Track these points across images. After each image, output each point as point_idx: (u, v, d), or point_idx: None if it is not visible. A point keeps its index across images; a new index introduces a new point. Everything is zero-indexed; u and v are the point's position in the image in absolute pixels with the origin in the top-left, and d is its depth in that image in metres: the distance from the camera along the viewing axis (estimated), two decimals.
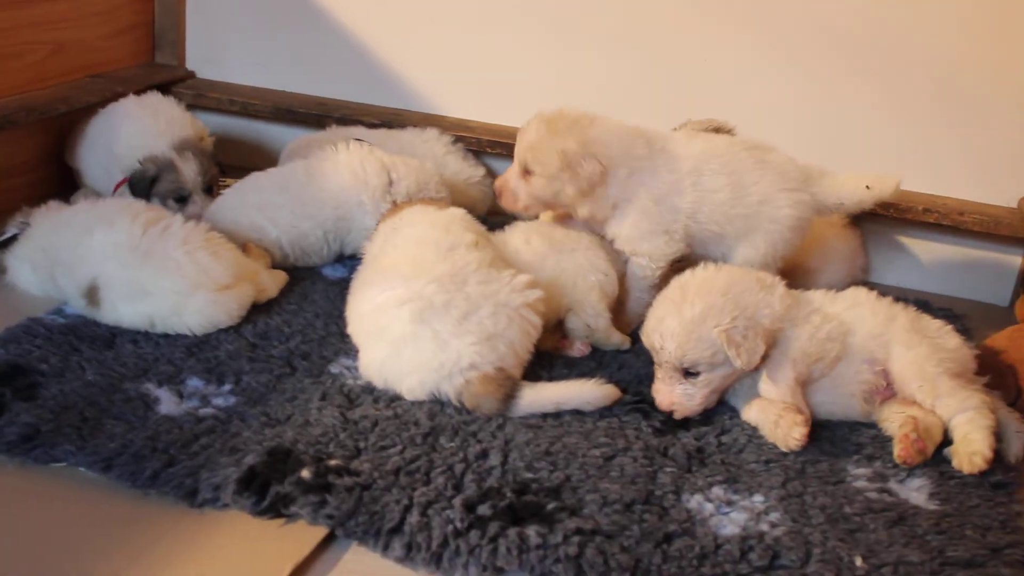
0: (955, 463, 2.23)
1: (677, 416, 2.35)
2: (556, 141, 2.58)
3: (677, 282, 2.40)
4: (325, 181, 2.97)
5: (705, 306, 2.30)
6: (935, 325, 2.45)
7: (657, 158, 2.65)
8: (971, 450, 2.21)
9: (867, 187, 2.72)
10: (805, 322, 2.35)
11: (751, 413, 2.37)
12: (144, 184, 3.00)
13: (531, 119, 2.68)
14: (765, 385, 2.35)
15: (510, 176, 2.69)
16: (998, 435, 2.27)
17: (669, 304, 2.35)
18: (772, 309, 2.32)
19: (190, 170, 3.02)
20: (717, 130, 3.07)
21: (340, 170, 2.97)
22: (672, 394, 2.35)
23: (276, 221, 2.93)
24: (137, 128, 3.13)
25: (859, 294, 2.48)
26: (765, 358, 2.32)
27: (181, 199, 3.02)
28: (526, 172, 2.64)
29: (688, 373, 2.33)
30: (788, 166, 2.73)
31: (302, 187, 2.98)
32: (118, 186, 3.10)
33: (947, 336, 2.41)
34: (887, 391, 2.38)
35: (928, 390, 2.30)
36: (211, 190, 3.09)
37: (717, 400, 2.41)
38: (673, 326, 2.31)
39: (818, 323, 2.35)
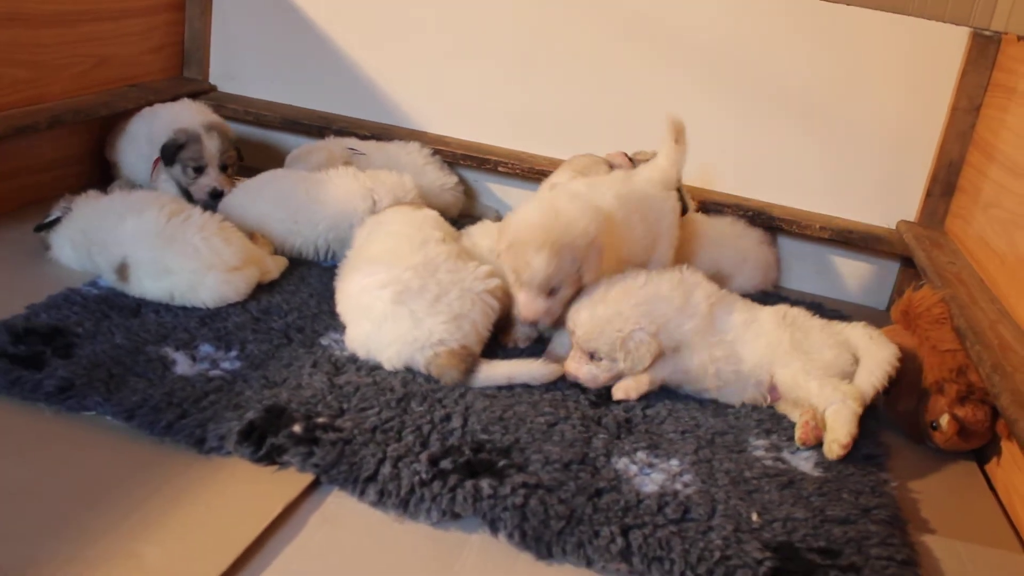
0: (824, 451, 2.21)
1: (585, 385, 2.34)
2: (565, 254, 2.27)
3: (607, 282, 2.37)
4: (321, 206, 2.88)
5: (615, 311, 2.29)
6: (817, 341, 2.39)
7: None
8: (831, 439, 2.19)
9: (675, 142, 2.66)
10: (706, 347, 2.34)
11: None
12: (172, 150, 2.99)
13: (520, 249, 2.30)
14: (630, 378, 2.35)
15: (531, 302, 2.33)
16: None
17: (588, 299, 2.34)
18: (682, 330, 2.31)
19: (212, 144, 3.01)
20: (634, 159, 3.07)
21: (333, 199, 2.88)
22: (580, 370, 2.33)
23: (272, 234, 2.87)
24: (175, 111, 3.13)
25: (766, 324, 2.41)
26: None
27: (199, 168, 3.01)
28: (551, 293, 2.33)
29: (593, 357, 2.32)
30: (655, 175, 2.66)
31: (299, 207, 2.89)
32: (154, 165, 3.07)
33: (826, 350, 2.37)
34: (774, 395, 2.38)
35: (803, 395, 2.29)
36: (226, 168, 3.05)
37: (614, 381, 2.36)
38: (584, 318, 2.31)
39: (718, 356, 2.34)
